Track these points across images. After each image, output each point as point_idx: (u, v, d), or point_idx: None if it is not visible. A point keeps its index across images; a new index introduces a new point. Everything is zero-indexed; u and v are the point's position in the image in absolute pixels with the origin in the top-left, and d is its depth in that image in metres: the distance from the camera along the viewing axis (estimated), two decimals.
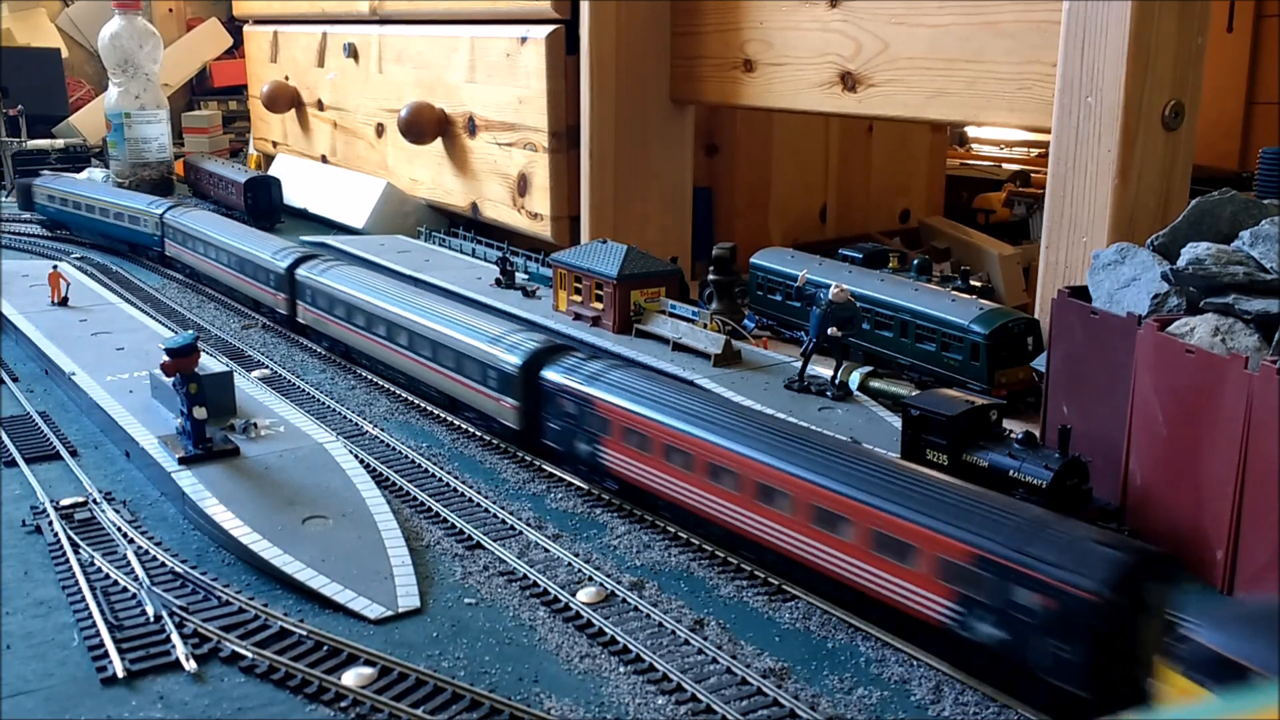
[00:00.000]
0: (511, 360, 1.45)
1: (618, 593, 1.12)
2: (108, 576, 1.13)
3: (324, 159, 3.49)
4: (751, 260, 2.02)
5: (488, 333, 1.54)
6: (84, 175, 3.74)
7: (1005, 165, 3.25)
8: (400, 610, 1.08)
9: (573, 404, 1.35)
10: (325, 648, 1.01)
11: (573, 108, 2.33)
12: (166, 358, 1.31)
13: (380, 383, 1.79)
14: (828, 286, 1.60)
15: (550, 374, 1.39)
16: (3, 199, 3.57)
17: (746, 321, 1.98)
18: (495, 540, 1.23)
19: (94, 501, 1.31)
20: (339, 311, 1.85)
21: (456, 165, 2.79)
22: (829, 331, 1.55)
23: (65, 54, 4.49)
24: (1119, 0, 1.40)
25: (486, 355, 1.49)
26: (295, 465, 1.33)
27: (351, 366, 1.88)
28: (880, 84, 1.87)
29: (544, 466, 1.45)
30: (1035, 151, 3.38)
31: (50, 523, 1.25)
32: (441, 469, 1.43)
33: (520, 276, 2.23)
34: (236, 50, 4.53)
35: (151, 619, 1.05)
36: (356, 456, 1.42)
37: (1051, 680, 0.89)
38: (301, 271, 1.97)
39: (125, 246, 2.78)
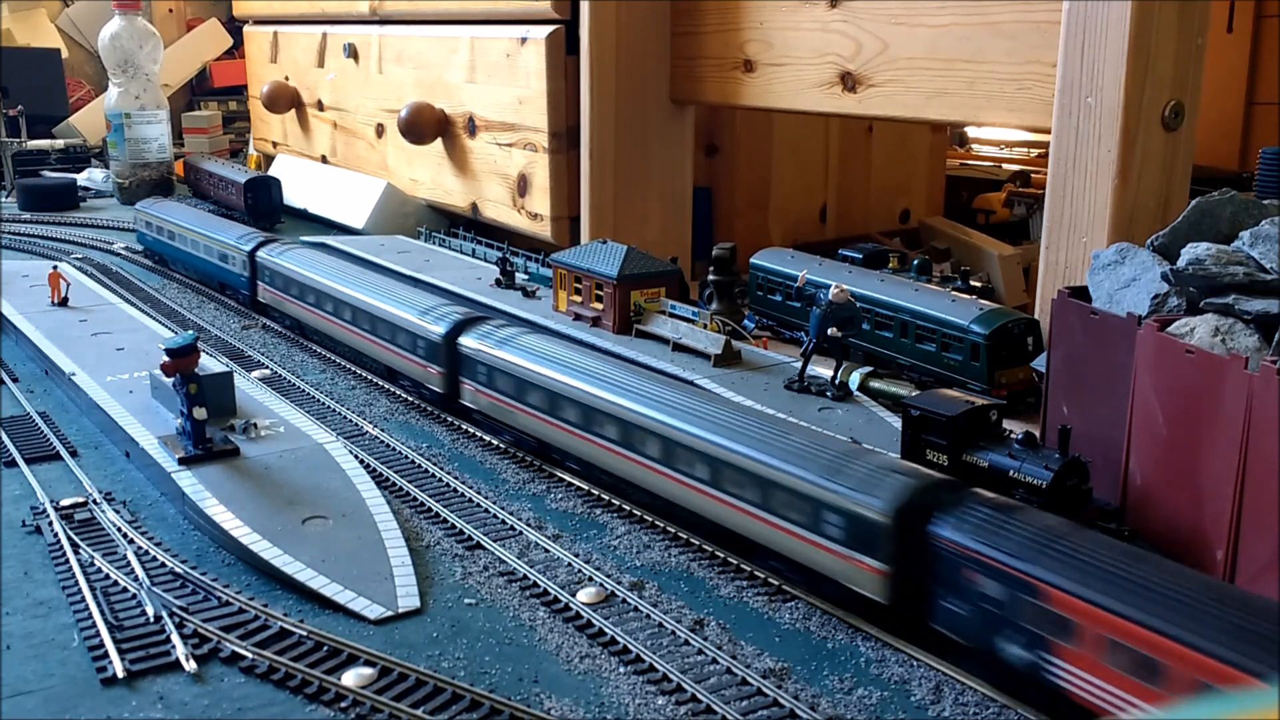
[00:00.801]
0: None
1: (618, 593, 1.12)
2: (108, 577, 1.13)
3: (324, 159, 3.49)
4: (751, 260, 2.02)
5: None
6: (83, 175, 3.75)
7: (1005, 165, 3.25)
8: (400, 610, 1.08)
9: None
10: (325, 648, 1.01)
11: (573, 108, 2.33)
12: (166, 358, 1.31)
13: (380, 383, 1.79)
14: (828, 287, 1.60)
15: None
16: (3, 199, 3.57)
17: (746, 322, 1.98)
18: (495, 540, 1.23)
19: (94, 502, 1.31)
20: (533, 400, 1.45)
21: (456, 166, 2.79)
22: (829, 332, 1.55)
23: (65, 54, 4.49)
24: (1119, 0, 1.40)
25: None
26: (295, 465, 1.33)
27: (368, 376, 1.88)
28: (880, 84, 1.87)
29: (544, 467, 1.45)
30: (1035, 152, 3.38)
31: (50, 523, 1.25)
32: (441, 469, 1.43)
33: (520, 277, 2.23)
34: (236, 50, 4.53)
35: (151, 619, 1.05)
36: (356, 457, 1.42)
37: None
38: (468, 342, 1.56)
39: (216, 286, 2.41)
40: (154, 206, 2.68)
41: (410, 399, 1.72)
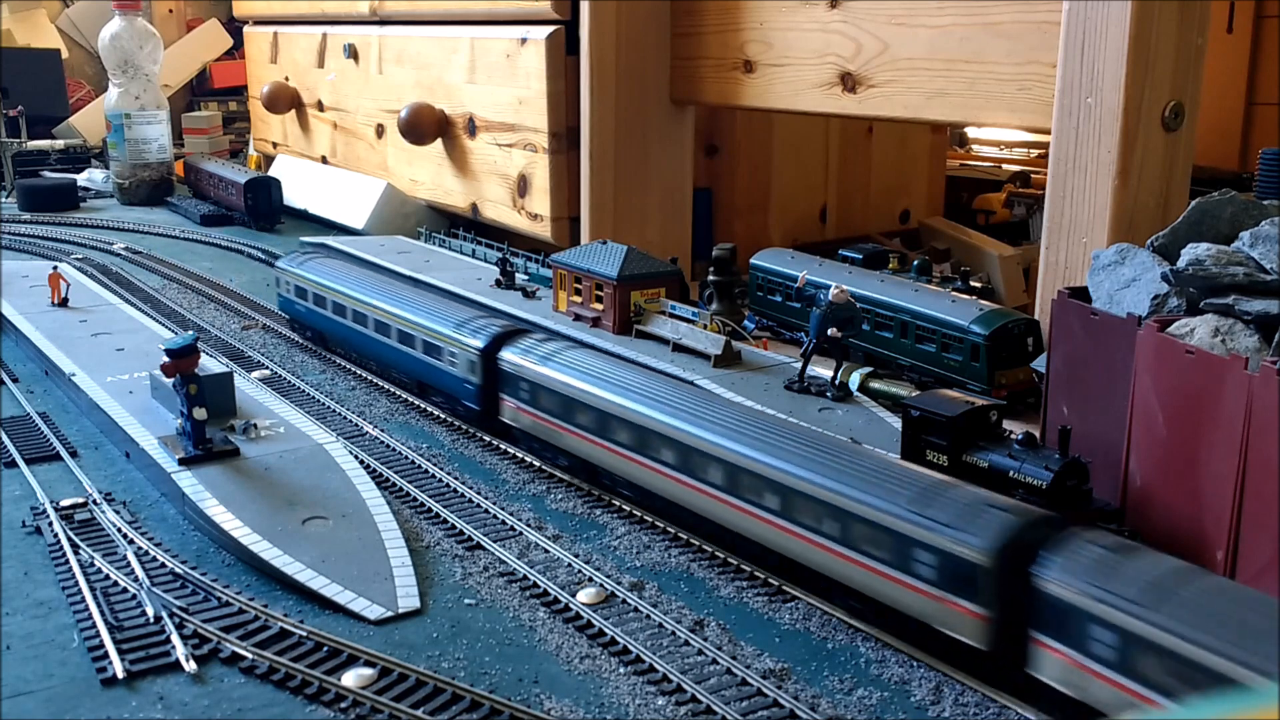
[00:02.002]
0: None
1: (618, 593, 1.12)
2: (108, 577, 1.13)
3: (324, 160, 3.49)
4: (751, 261, 2.02)
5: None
6: (83, 176, 3.75)
7: (1005, 166, 3.25)
8: (400, 611, 1.08)
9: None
10: (325, 648, 1.01)
11: (573, 108, 2.33)
12: (166, 359, 1.31)
13: (382, 384, 1.79)
14: (828, 287, 1.60)
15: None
16: (3, 199, 3.57)
17: (746, 322, 1.98)
18: (495, 541, 1.23)
19: (94, 502, 1.31)
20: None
21: (456, 166, 2.79)
22: (829, 332, 1.55)
23: (65, 55, 4.49)
24: (1119, 0, 1.40)
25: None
26: (295, 466, 1.33)
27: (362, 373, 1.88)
28: (880, 85, 1.87)
29: (544, 467, 1.45)
30: (1035, 152, 3.38)
31: (50, 523, 1.25)
32: (441, 470, 1.43)
33: (520, 277, 2.23)
34: (236, 51, 4.53)
35: (151, 620, 1.05)
36: (356, 457, 1.42)
37: None
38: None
39: (414, 386, 1.75)
40: (308, 264, 2.00)
41: (409, 399, 1.72)
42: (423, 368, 1.67)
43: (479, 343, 1.53)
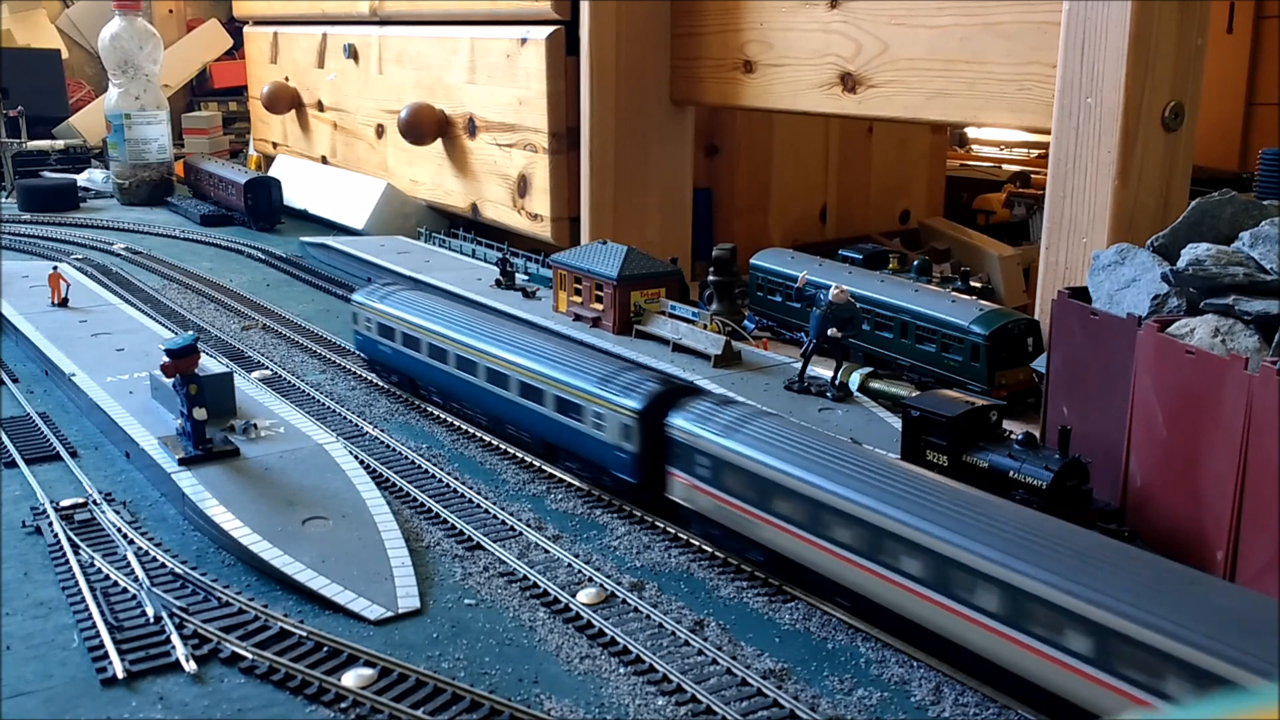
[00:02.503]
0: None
1: (618, 594, 1.12)
2: (108, 577, 1.13)
3: (324, 160, 3.49)
4: (751, 261, 2.02)
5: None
6: (83, 176, 3.75)
7: (1005, 166, 3.25)
8: (400, 611, 1.08)
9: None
10: (325, 649, 1.01)
11: (573, 109, 2.33)
12: (166, 359, 1.31)
13: (381, 384, 1.79)
14: (828, 287, 1.60)
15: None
16: (3, 199, 3.58)
17: (746, 322, 1.98)
18: (495, 541, 1.23)
19: (94, 502, 1.31)
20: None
21: (456, 166, 2.79)
22: (829, 332, 1.55)
23: (65, 55, 4.49)
24: (1119, 1, 1.40)
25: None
26: (295, 466, 1.33)
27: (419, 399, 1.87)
28: (880, 85, 1.87)
29: (544, 468, 1.45)
30: (1035, 152, 3.38)
31: (50, 524, 1.25)
32: (441, 470, 1.43)
33: (520, 277, 2.23)
34: (236, 51, 4.53)
35: (151, 620, 1.05)
36: (356, 457, 1.42)
37: None
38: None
39: (538, 447, 1.48)
40: (394, 298, 1.74)
41: (409, 399, 1.72)
42: (554, 428, 1.41)
43: (634, 403, 1.27)
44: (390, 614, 1.08)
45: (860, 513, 1.03)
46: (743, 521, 1.16)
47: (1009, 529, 0.94)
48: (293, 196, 3.29)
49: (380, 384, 1.79)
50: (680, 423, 1.23)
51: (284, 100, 3.59)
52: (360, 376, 1.83)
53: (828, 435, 1.19)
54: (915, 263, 1.94)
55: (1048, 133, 1.54)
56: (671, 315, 1.80)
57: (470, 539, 1.24)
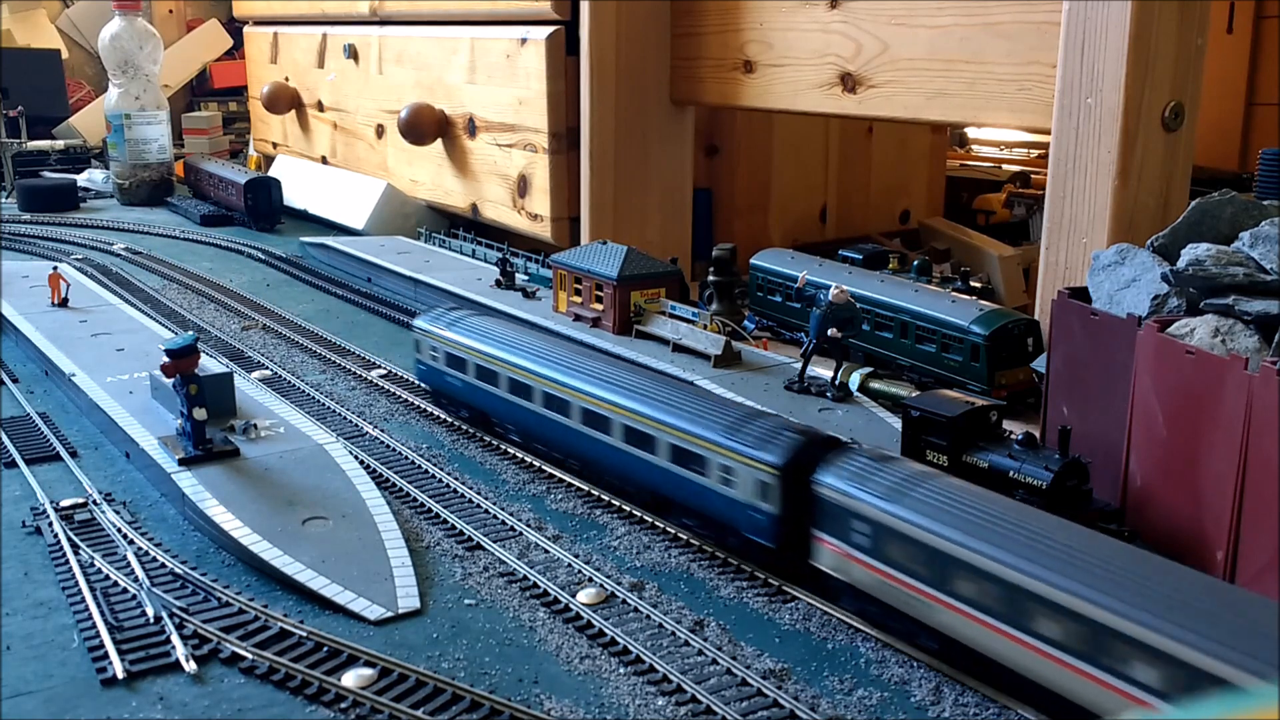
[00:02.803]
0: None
1: (618, 594, 1.12)
2: (108, 577, 1.13)
3: (324, 160, 3.49)
4: (751, 261, 2.02)
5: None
6: (83, 176, 3.75)
7: (1005, 166, 3.25)
8: (400, 611, 1.08)
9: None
10: (325, 649, 1.01)
11: (573, 109, 2.33)
12: (166, 359, 1.31)
13: (380, 384, 1.79)
14: (828, 287, 1.60)
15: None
16: (3, 199, 3.58)
17: (746, 323, 1.98)
18: (495, 541, 1.23)
19: (94, 502, 1.31)
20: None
21: (456, 166, 2.79)
22: (829, 332, 1.55)
23: (65, 55, 4.49)
24: (1119, 1, 1.40)
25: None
26: (295, 466, 1.33)
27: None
28: (880, 85, 1.87)
29: (544, 468, 1.45)
30: (1035, 152, 3.38)
31: (50, 524, 1.25)
32: (441, 470, 1.43)
33: (520, 278, 2.23)
34: (236, 51, 4.53)
35: (151, 620, 1.05)
36: (356, 457, 1.42)
37: None
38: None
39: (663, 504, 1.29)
40: (463, 324, 1.58)
41: (409, 399, 1.71)
42: (667, 481, 1.24)
43: (775, 457, 1.12)
44: (390, 614, 1.08)
45: (1073, 605, 0.85)
46: (912, 601, 0.99)
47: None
48: (293, 196, 3.29)
49: (380, 384, 1.79)
50: (832, 481, 1.06)
51: (284, 100, 3.59)
52: (360, 377, 1.83)
53: (1016, 504, 1.02)
54: (915, 263, 1.94)
55: (1048, 133, 1.54)
56: (671, 315, 1.80)
57: (470, 539, 1.24)
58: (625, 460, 1.30)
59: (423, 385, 1.69)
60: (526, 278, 2.24)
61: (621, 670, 1.00)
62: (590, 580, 1.15)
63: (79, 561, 1.16)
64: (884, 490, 1.02)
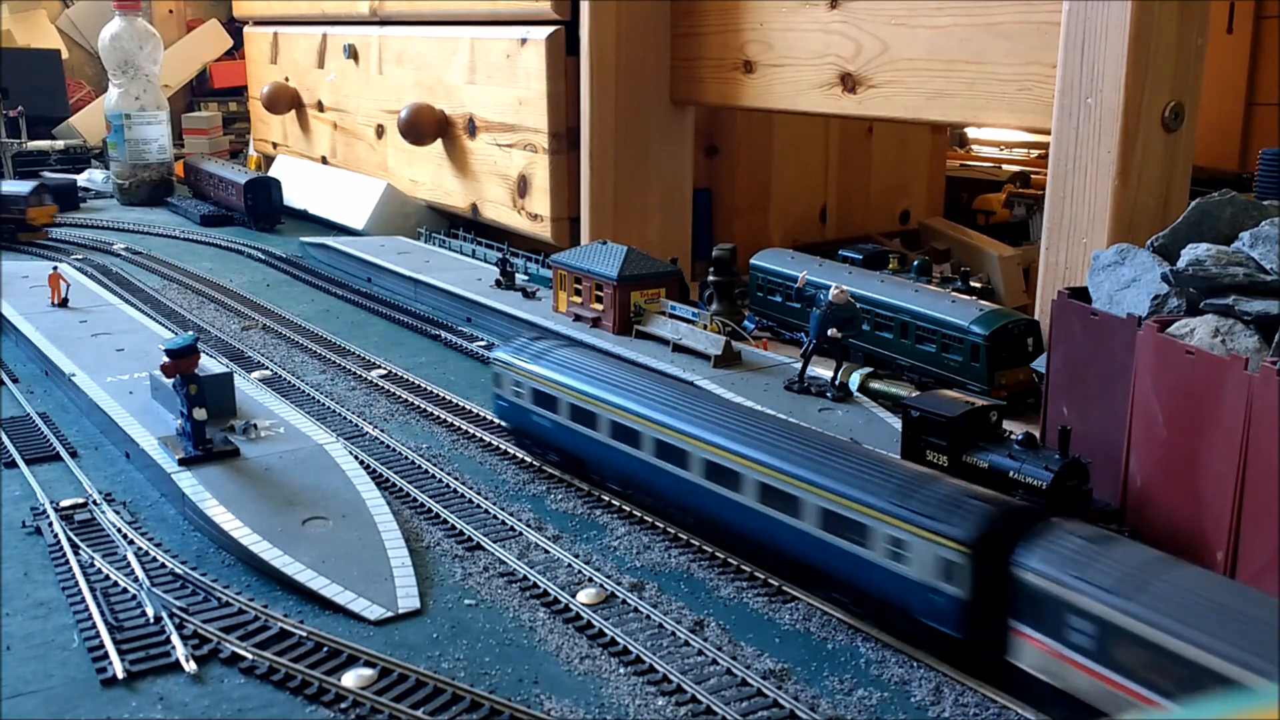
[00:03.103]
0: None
1: (618, 594, 1.12)
2: (108, 578, 1.13)
3: (324, 160, 3.49)
4: (751, 261, 2.02)
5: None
6: (84, 176, 3.75)
7: (1005, 166, 3.25)
8: (400, 611, 1.08)
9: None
10: (325, 649, 1.01)
11: (573, 109, 2.33)
12: (166, 359, 1.31)
13: (380, 384, 1.79)
14: (828, 288, 1.60)
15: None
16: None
17: (746, 323, 1.98)
18: (495, 541, 1.23)
19: (94, 502, 1.31)
20: None
21: (456, 166, 2.79)
22: (829, 333, 1.55)
23: (65, 55, 4.49)
24: (1119, 1, 1.40)
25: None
26: (295, 466, 1.33)
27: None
28: (880, 85, 1.87)
29: (544, 468, 1.45)
30: (1035, 153, 3.38)
31: (50, 524, 1.25)
32: (441, 470, 1.43)
33: (520, 278, 2.23)
34: (236, 52, 4.53)
35: (151, 620, 1.05)
36: (356, 458, 1.42)
37: None
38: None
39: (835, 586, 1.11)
40: (550, 358, 1.42)
41: (409, 399, 1.71)
42: (818, 550, 1.08)
43: (963, 532, 0.94)
44: (390, 614, 1.08)
45: None
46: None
47: None
48: (293, 197, 3.29)
49: (380, 384, 1.79)
50: (1041, 566, 0.89)
51: (284, 100, 3.59)
52: (360, 377, 1.83)
53: None
54: (915, 263, 1.94)
55: (1048, 133, 1.54)
56: (671, 315, 1.80)
57: (470, 539, 1.24)
58: (760, 522, 1.13)
59: (502, 424, 1.52)
60: (526, 278, 2.24)
61: (621, 670, 1.00)
62: (590, 580, 1.15)
63: (79, 561, 1.16)
64: (1114, 581, 0.86)
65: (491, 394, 1.51)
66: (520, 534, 1.25)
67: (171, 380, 1.33)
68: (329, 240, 2.74)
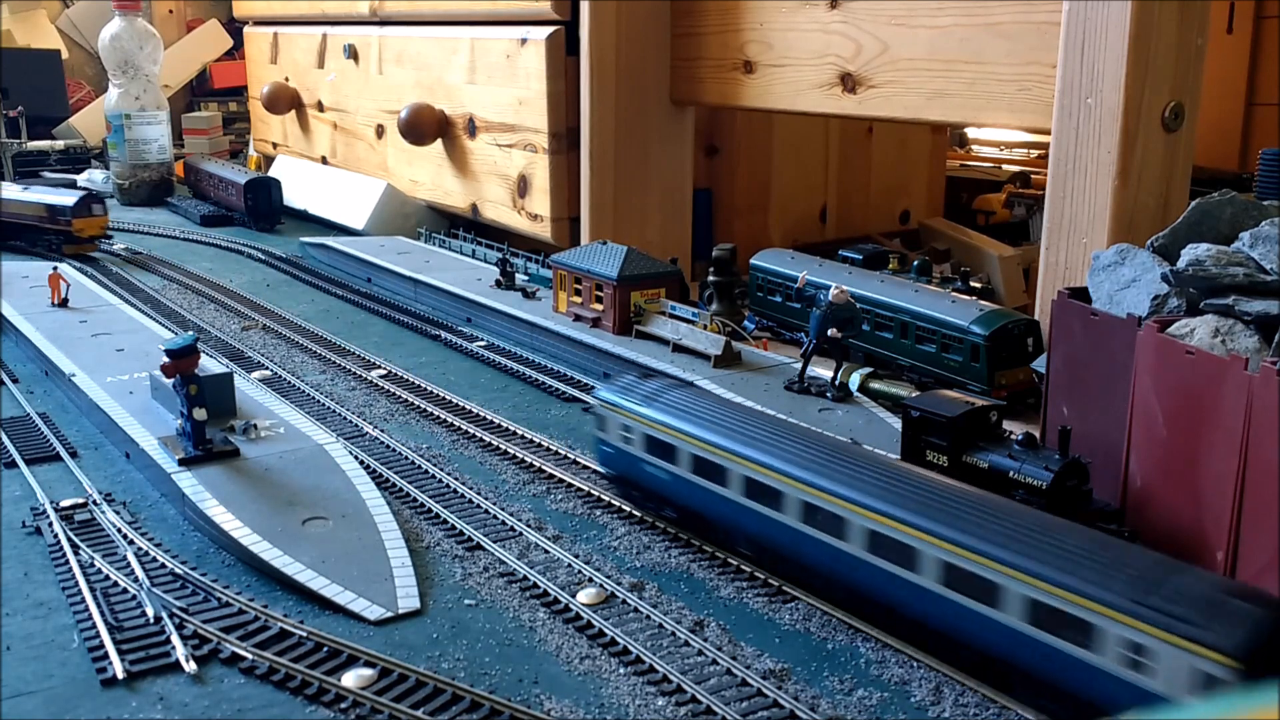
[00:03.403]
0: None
1: (618, 594, 1.12)
2: (108, 578, 1.13)
3: (324, 160, 3.49)
4: (751, 261, 2.02)
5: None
6: (83, 176, 3.75)
7: (1005, 166, 3.25)
8: (400, 611, 1.08)
9: None
10: (325, 649, 1.01)
11: (573, 109, 2.33)
12: (166, 359, 1.31)
13: (380, 384, 1.79)
14: (828, 288, 1.60)
15: None
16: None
17: (746, 323, 1.98)
18: (495, 541, 1.23)
19: (94, 503, 1.31)
20: None
21: (456, 166, 2.79)
22: (829, 333, 1.55)
23: (65, 55, 4.49)
24: (1119, 1, 1.40)
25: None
26: (295, 466, 1.33)
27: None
28: (880, 85, 1.87)
29: (544, 468, 1.45)
30: (1035, 153, 3.38)
31: (50, 524, 1.25)
32: (441, 470, 1.43)
33: (520, 278, 2.23)
34: (236, 52, 4.53)
35: (151, 620, 1.05)
36: (356, 458, 1.42)
37: None
38: None
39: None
40: (662, 401, 1.27)
41: (409, 399, 1.71)
42: (1022, 648, 0.91)
43: (1231, 641, 0.78)
44: (390, 614, 1.08)
45: None
46: None
47: None
48: (293, 197, 3.29)
49: (380, 384, 1.79)
50: None
51: (284, 100, 3.59)
52: (360, 377, 1.83)
53: None
54: (915, 263, 1.94)
55: (1048, 133, 1.54)
56: (671, 315, 1.80)
57: (470, 539, 1.24)
58: (945, 609, 0.96)
59: (606, 473, 1.36)
60: (526, 278, 2.24)
61: (621, 670, 1.00)
62: (590, 580, 1.15)
63: (79, 562, 1.16)
64: None
65: (593, 439, 1.36)
66: (520, 534, 1.25)
67: (171, 380, 1.33)
68: (329, 240, 2.74)
